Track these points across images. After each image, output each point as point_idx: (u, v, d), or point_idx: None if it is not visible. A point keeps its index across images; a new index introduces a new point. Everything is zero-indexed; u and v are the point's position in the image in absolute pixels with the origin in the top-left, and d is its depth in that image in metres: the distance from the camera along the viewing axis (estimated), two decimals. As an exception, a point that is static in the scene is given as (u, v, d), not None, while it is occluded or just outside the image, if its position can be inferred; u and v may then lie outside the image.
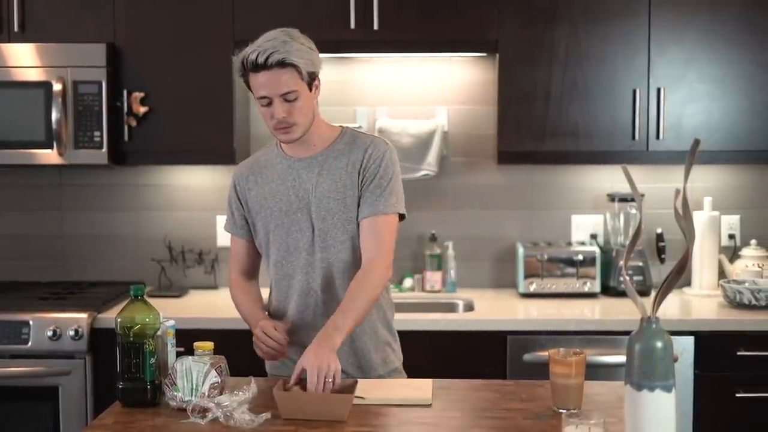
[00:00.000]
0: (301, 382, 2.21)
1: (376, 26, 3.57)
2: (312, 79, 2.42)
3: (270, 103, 2.38)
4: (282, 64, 2.34)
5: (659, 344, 1.73)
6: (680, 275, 1.77)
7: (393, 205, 2.47)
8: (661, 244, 3.90)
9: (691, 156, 1.73)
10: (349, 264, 2.48)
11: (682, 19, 3.58)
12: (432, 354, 3.32)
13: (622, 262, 1.93)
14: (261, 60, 2.33)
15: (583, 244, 3.90)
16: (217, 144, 3.66)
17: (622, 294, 3.72)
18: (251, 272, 2.67)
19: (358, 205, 2.47)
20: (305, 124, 2.43)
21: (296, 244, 2.50)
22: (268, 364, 2.62)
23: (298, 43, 2.37)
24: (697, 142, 1.72)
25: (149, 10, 3.64)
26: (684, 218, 1.75)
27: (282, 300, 2.55)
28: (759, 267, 3.73)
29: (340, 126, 2.59)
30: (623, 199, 3.84)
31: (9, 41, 3.62)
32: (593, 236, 3.95)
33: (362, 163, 2.47)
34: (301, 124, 2.41)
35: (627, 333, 1.85)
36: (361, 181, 2.47)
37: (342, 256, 2.48)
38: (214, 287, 3.98)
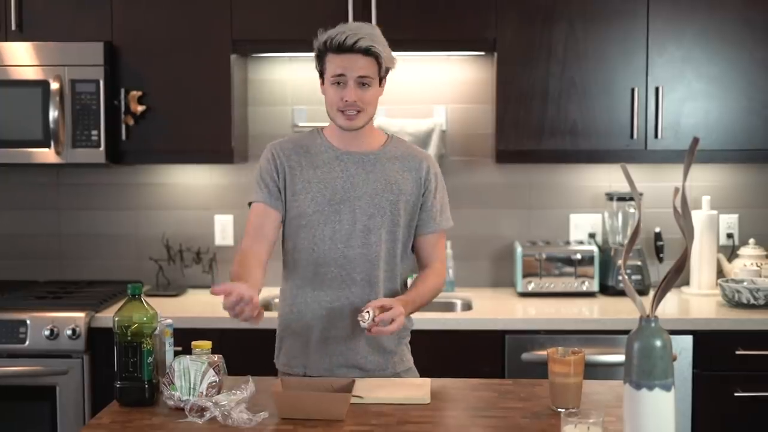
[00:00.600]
0: (296, 382, 2.21)
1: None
2: (384, 75, 2.52)
3: (343, 86, 2.44)
4: (367, 51, 2.43)
5: (658, 343, 1.73)
6: (679, 274, 1.76)
7: (449, 219, 2.63)
8: (660, 243, 3.90)
9: (691, 154, 1.72)
10: (386, 263, 2.54)
11: (681, 18, 3.58)
12: (430, 353, 3.31)
13: (620, 261, 1.93)
14: (349, 42, 2.41)
15: (581, 243, 3.89)
16: (215, 143, 3.66)
17: (620, 293, 3.71)
18: (266, 251, 2.50)
19: (417, 217, 2.57)
20: (369, 114, 2.50)
21: (332, 235, 2.50)
22: (280, 362, 2.61)
23: (381, 38, 2.49)
24: (696, 141, 1.71)
25: (147, 9, 3.64)
26: (683, 217, 1.75)
27: (305, 287, 2.53)
28: (757, 266, 3.73)
29: (386, 132, 2.67)
30: (621, 198, 3.84)
31: (6, 40, 3.61)
32: (591, 235, 3.95)
33: (424, 176, 2.56)
34: (366, 113, 2.48)
35: (625, 332, 1.84)
36: (423, 195, 2.56)
37: (383, 254, 2.52)
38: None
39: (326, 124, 2.60)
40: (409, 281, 2.60)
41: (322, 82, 2.50)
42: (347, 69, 2.42)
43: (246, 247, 2.49)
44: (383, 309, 2.34)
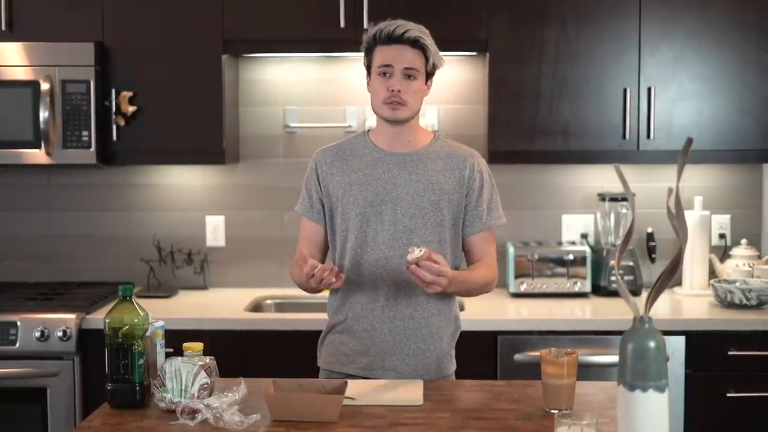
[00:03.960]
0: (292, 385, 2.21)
1: (365, 25, 3.55)
2: (431, 74, 2.53)
3: (389, 76, 2.46)
4: (415, 42, 2.48)
5: (652, 344, 1.72)
6: (673, 274, 1.76)
7: (500, 217, 2.63)
8: (652, 243, 3.90)
9: (684, 155, 1.72)
10: None
11: (673, 18, 3.58)
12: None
13: (613, 262, 1.92)
14: (398, 32, 2.47)
15: (573, 243, 3.89)
16: (206, 144, 3.65)
17: (612, 294, 3.71)
18: (318, 254, 2.62)
19: (463, 217, 2.55)
20: (413, 108, 2.51)
21: (374, 236, 2.51)
22: (322, 359, 2.62)
23: (430, 37, 2.52)
24: (690, 141, 1.71)
25: (138, 9, 3.62)
26: (677, 217, 1.74)
27: (350, 288, 2.54)
28: (749, 266, 3.73)
29: (433, 131, 2.66)
30: (613, 199, 3.84)
31: (-4, 40, 3.60)
32: (584, 236, 3.95)
33: (468, 175, 2.54)
34: (410, 106, 2.50)
35: (618, 333, 1.84)
36: (467, 195, 2.54)
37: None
38: (204, 288, 3.96)
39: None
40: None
41: (369, 79, 2.54)
42: (395, 59, 2.46)
43: (299, 252, 2.59)
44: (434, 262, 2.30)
